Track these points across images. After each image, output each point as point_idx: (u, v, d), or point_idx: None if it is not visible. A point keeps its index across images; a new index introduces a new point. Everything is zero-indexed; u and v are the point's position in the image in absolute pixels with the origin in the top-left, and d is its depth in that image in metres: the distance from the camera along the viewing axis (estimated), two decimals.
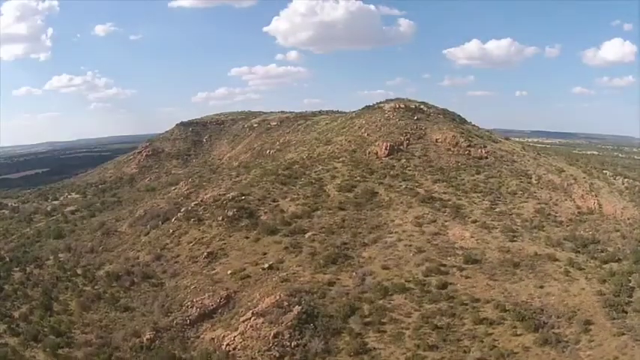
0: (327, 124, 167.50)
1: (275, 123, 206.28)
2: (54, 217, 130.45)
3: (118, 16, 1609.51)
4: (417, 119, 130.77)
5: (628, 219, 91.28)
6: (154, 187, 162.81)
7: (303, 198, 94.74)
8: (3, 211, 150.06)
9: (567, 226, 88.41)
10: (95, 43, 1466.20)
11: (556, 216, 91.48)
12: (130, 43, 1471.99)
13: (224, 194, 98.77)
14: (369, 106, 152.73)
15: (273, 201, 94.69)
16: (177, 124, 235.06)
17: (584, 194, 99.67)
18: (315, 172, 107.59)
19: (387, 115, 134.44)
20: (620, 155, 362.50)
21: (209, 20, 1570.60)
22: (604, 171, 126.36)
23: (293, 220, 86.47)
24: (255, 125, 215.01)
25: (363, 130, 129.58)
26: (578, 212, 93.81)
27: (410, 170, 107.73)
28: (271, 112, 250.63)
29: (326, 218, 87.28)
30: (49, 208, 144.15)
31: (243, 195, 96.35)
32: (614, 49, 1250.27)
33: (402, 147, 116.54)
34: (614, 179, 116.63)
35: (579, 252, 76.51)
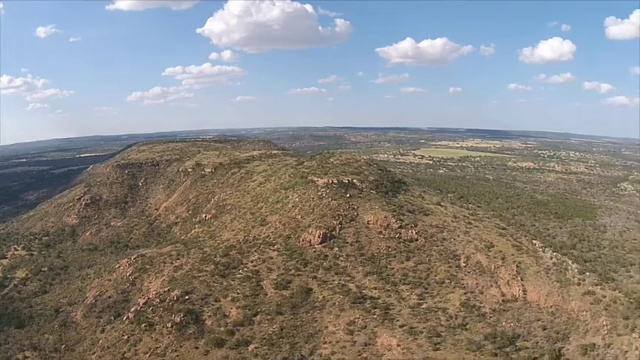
0: (260, 184, 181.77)
1: (209, 170, 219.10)
2: (7, 290, 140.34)
3: (60, 19, 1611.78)
4: (350, 196, 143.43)
5: (550, 307, 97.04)
6: (97, 246, 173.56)
7: (243, 298, 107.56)
8: None
9: (490, 317, 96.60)
10: (36, 45, 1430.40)
11: (480, 307, 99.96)
12: (70, 45, 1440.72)
13: (168, 291, 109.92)
14: (303, 175, 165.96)
15: (216, 300, 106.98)
16: (113, 166, 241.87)
17: (510, 279, 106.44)
18: (251, 261, 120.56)
19: (320, 193, 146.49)
20: (556, 168, 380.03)
21: (146, 22, 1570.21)
22: (533, 241, 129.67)
23: (236, 328, 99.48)
24: (190, 170, 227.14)
25: (297, 211, 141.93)
26: (503, 300, 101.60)
27: (342, 261, 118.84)
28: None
29: (265, 325, 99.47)
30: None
31: (187, 293, 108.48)
32: (552, 48, 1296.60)
33: (334, 232, 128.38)
34: (544, 251, 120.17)
35: (497, 355, 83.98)
